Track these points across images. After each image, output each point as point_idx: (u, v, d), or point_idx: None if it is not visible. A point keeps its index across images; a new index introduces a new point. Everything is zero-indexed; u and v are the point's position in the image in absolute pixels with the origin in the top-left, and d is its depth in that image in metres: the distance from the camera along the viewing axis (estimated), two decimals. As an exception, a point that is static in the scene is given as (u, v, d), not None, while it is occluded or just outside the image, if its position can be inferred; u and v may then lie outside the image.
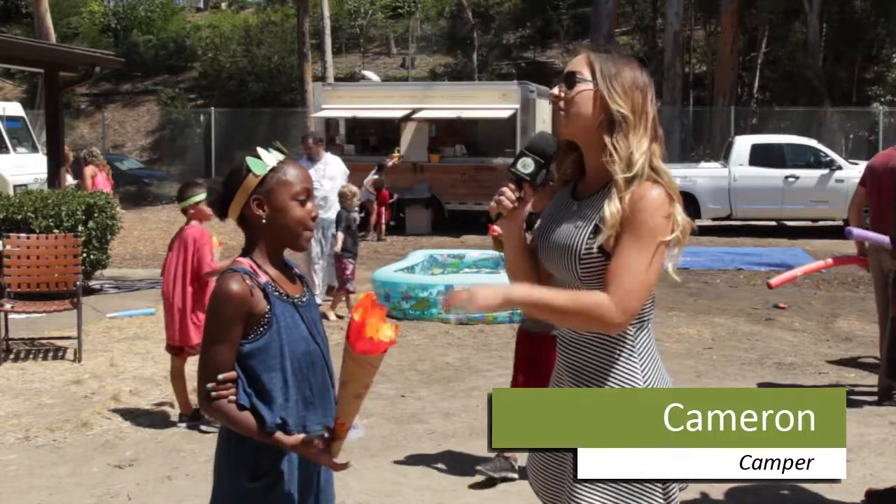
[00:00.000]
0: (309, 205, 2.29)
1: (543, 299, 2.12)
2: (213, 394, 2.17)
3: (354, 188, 9.17)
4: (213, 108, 26.81)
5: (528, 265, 2.35)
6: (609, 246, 2.14)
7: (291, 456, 2.24)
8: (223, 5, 43.97)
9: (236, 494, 2.24)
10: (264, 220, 2.24)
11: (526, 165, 2.20)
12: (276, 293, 2.23)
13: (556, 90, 2.23)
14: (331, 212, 9.08)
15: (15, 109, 18.18)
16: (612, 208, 2.12)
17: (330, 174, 9.40)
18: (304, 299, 2.32)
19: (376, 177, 15.90)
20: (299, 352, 2.24)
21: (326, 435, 2.18)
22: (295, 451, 2.19)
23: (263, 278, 2.23)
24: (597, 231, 2.15)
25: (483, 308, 2.09)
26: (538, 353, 4.23)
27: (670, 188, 2.18)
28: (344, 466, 2.23)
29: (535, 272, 2.36)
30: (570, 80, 2.20)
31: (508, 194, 2.20)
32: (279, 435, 2.17)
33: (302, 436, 2.17)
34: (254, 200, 2.24)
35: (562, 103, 2.22)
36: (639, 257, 2.10)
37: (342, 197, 8.90)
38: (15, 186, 14.45)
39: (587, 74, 2.19)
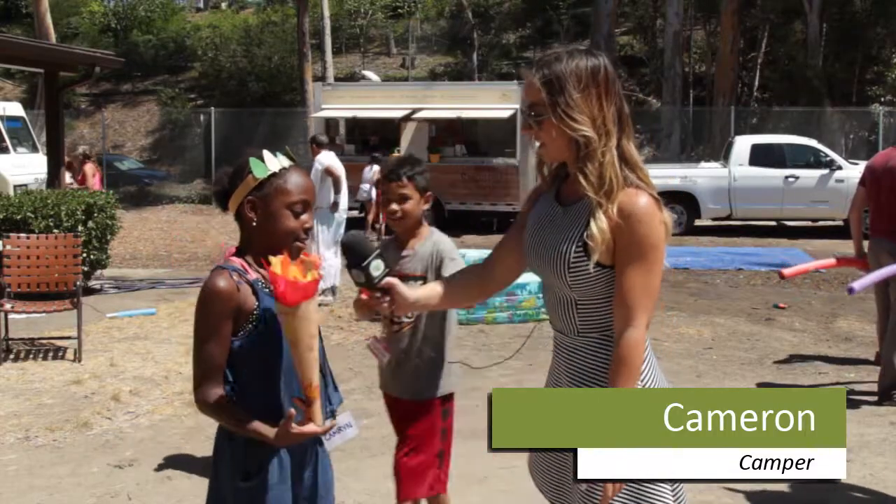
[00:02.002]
0: (304, 216, 2.25)
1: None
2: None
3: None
4: (213, 108, 26.81)
5: (455, 301, 2.52)
6: (601, 254, 2.15)
7: (282, 457, 2.22)
8: (223, 5, 43.98)
9: (230, 494, 2.24)
10: (255, 223, 2.23)
11: (378, 268, 2.24)
12: (266, 290, 2.22)
13: (527, 127, 2.24)
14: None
15: (15, 109, 18.20)
16: (599, 224, 2.13)
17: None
18: None
19: (376, 167, 15.84)
20: (289, 348, 2.23)
21: (299, 406, 2.14)
22: (280, 442, 2.14)
23: (253, 275, 2.23)
24: (584, 242, 2.16)
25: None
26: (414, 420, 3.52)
27: (650, 188, 2.19)
28: (329, 428, 2.21)
29: (466, 295, 2.50)
30: (535, 118, 2.19)
31: (383, 310, 2.30)
32: (258, 425, 2.14)
33: (285, 420, 2.11)
34: (248, 202, 2.23)
35: (536, 139, 2.23)
36: (647, 274, 2.14)
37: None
38: (15, 186, 14.46)
39: (543, 104, 2.17)
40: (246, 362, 2.20)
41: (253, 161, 2.24)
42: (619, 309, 2.14)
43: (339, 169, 9.68)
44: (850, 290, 5.24)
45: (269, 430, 2.14)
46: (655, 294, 2.17)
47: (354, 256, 2.24)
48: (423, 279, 3.34)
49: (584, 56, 2.19)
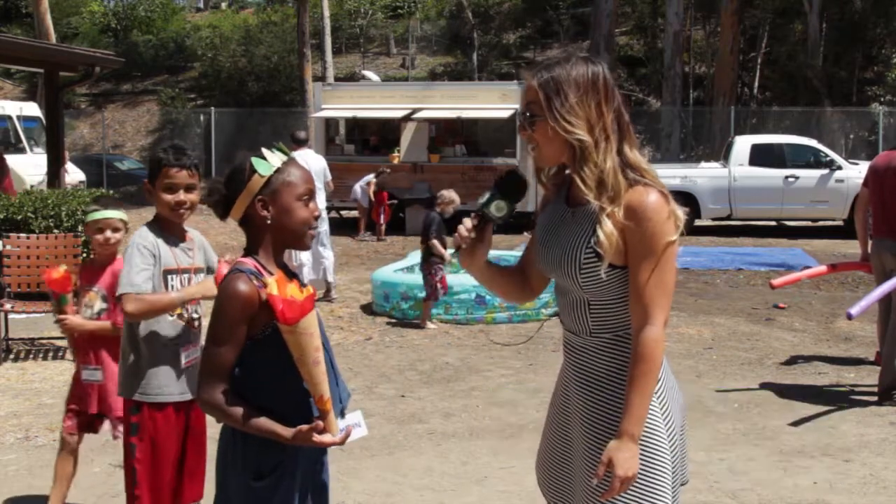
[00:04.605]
0: (312, 204, 2.30)
1: (643, 402, 2.11)
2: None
3: (454, 195, 8.75)
4: (213, 108, 26.82)
5: (502, 286, 2.41)
6: (612, 256, 2.14)
7: (296, 456, 2.23)
8: (223, 5, 44.04)
9: (241, 494, 2.24)
10: (269, 221, 2.25)
11: (500, 209, 2.22)
12: None
13: (521, 128, 2.23)
14: None
15: (32, 110, 18.21)
16: (605, 229, 2.12)
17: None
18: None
19: (374, 179, 15.89)
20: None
21: (317, 418, 2.18)
22: (295, 442, 2.17)
23: (268, 278, 2.23)
24: (594, 244, 2.15)
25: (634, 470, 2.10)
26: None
27: (659, 185, 2.18)
28: (345, 437, 2.23)
29: (512, 286, 2.42)
30: (530, 118, 2.19)
31: (467, 224, 2.22)
32: (279, 428, 2.16)
33: (299, 427, 2.15)
34: (258, 201, 2.24)
35: (529, 142, 2.23)
36: (660, 270, 2.13)
37: (439, 200, 8.64)
38: (31, 186, 14.47)
39: (539, 105, 2.17)
40: (264, 363, 2.21)
41: (256, 161, 2.25)
42: (636, 307, 2.14)
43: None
44: (849, 316, 5.24)
45: (284, 431, 2.15)
46: (671, 290, 2.16)
47: (512, 190, 2.22)
48: (207, 270, 3.29)
49: (584, 63, 2.19)
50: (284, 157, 2.29)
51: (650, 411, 2.16)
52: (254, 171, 2.24)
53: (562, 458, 2.33)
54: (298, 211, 2.26)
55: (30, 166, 15.99)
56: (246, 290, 2.17)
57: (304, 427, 2.14)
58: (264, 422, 2.17)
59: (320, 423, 2.15)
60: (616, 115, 2.19)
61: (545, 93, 2.15)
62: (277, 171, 2.25)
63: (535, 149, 2.23)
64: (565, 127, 2.14)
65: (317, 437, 2.15)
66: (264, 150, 2.27)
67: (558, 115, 2.14)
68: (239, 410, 2.18)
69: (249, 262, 2.25)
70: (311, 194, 2.29)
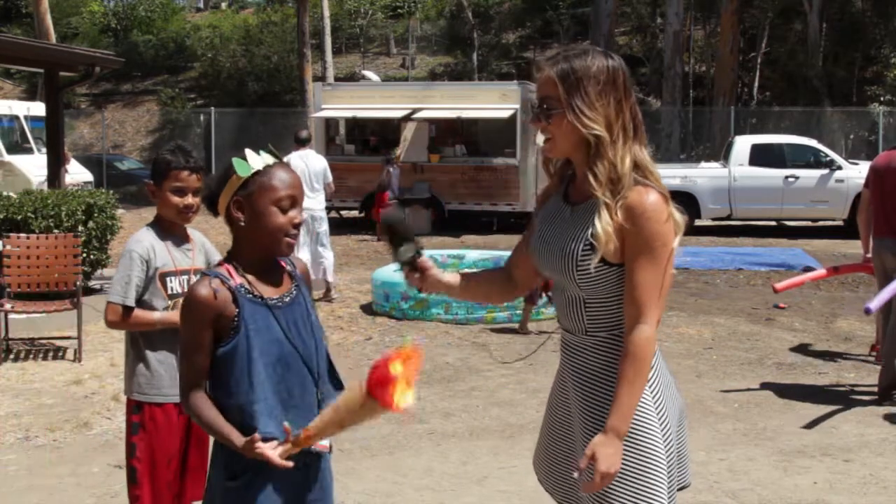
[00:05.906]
0: (292, 212, 2.22)
1: (632, 400, 2.11)
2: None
3: None
4: (213, 108, 26.82)
5: (476, 295, 2.54)
6: (608, 253, 2.14)
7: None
8: (223, 5, 44.05)
9: (217, 493, 2.25)
10: (242, 223, 2.21)
11: (407, 251, 2.40)
12: (249, 296, 2.19)
13: (536, 119, 2.22)
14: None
15: (39, 109, 18.24)
16: (604, 225, 2.12)
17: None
18: (286, 300, 2.26)
19: (390, 168, 15.75)
20: (272, 354, 2.19)
21: (286, 437, 2.11)
22: (243, 452, 2.11)
23: (237, 281, 2.20)
24: (591, 236, 2.15)
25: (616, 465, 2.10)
26: None
27: (660, 187, 2.18)
28: (286, 466, 2.11)
29: (488, 292, 2.53)
30: (546, 109, 2.18)
31: (407, 277, 2.41)
32: (234, 436, 2.13)
33: (251, 437, 2.09)
34: (234, 202, 2.21)
35: (543, 133, 2.22)
36: (656, 271, 2.13)
37: None
38: (38, 186, 14.48)
39: (557, 98, 2.15)
40: (227, 369, 2.18)
41: (236, 161, 2.21)
42: (630, 306, 2.14)
43: (297, 168, 9.47)
44: (867, 311, 5.24)
45: (237, 439, 2.13)
46: (666, 290, 2.16)
47: (393, 235, 2.38)
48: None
49: (604, 57, 2.17)
50: (271, 160, 2.24)
51: (644, 408, 2.16)
52: (234, 171, 2.21)
53: (566, 456, 2.32)
54: (272, 216, 2.19)
55: (37, 167, 16.01)
56: (203, 293, 2.15)
57: (249, 438, 2.09)
58: (225, 428, 2.15)
59: (257, 434, 2.08)
60: (632, 113, 2.18)
61: (565, 86, 2.13)
62: (258, 173, 2.20)
63: (549, 140, 2.21)
64: (583, 122, 2.12)
65: (260, 448, 2.07)
66: (248, 152, 2.23)
67: (578, 111, 2.12)
68: (207, 415, 2.17)
69: (222, 267, 2.23)
70: (292, 200, 2.22)
